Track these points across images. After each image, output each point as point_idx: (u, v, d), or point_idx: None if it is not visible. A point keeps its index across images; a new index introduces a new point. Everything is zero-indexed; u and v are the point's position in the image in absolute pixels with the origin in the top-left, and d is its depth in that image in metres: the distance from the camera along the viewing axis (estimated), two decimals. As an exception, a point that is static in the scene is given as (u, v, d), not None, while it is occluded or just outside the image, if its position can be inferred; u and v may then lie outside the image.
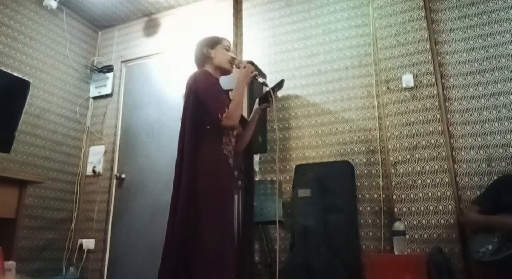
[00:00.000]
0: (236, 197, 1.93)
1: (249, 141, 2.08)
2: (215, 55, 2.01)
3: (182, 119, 1.89)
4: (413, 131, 2.69)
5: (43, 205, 3.40)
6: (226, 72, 2.04)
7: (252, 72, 1.94)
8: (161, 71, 3.79)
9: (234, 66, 2.03)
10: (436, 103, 2.69)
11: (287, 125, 3.18)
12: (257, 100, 2.08)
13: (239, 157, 2.02)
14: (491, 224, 2.14)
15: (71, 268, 3.41)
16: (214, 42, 2.04)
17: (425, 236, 2.49)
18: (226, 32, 3.49)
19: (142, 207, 3.41)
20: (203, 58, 2.04)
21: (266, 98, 2.02)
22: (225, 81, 2.06)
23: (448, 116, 2.70)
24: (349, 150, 2.92)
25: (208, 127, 1.83)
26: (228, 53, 2.03)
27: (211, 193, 1.74)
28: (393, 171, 2.68)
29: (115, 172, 3.68)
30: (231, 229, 1.78)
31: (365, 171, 2.83)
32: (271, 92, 1.93)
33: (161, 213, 3.20)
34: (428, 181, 2.58)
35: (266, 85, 1.99)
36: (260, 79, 1.99)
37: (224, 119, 1.76)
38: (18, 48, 3.36)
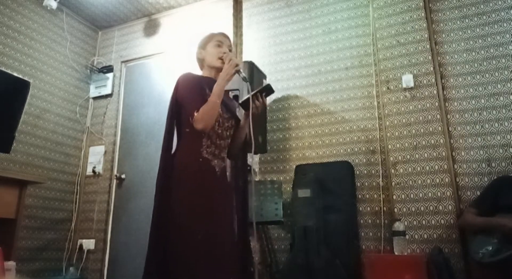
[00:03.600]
0: (232, 198, 1.88)
1: (242, 146, 1.96)
2: (205, 55, 1.92)
3: (167, 120, 1.85)
4: (413, 131, 2.70)
5: (43, 205, 3.40)
6: (218, 69, 1.89)
7: (235, 66, 1.78)
8: (161, 72, 3.79)
9: (223, 62, 1.84)
10: (436, 104, 2.69)
11: (287, 125, 3.18)
12: (239, 105, 1.92)
13: (238, 157, 1.99)
14: (489, 226, 2.14)
15: (71, 268, 3.41)
16: (205, 42, 1.95)
17: (425, 236, 2.49)
18: (226, 32, 3.49)
19: (142, 207, 3.41)
20: (199, 61, 1.97)
21: (247, 104, 1.80)
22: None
23: (448, 116, 2.71)
24: (349, 150, 2.93)
25: (188, 130, 1.76)
26: (218, 49, 1.90)
27: (183, 197, 1.69)
28: (393, 171, 2.68)
29: (115, 172, 3.68)
30: (216, 231, 1.70)
31: (365, 171, 2.83)
32: (258, 95, 1.79)
33: (161, 213, 3.21)
34: (428, 181, 2.58)
35: (246, 81, 1.82)
36: (242, 74, 1.82)
37: (194, 122, 1.68)
38: (18, 48, 3.36)
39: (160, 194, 1.72)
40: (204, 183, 1.73)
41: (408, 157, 2.67)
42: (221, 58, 1.88)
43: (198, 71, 2.00)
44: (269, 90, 1.84)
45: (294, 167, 2.98)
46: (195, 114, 1.69)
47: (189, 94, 1.78)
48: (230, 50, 1.95)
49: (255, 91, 1.81)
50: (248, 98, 1.79)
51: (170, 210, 1.69)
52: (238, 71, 1.80)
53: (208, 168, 1.75)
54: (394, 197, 2.63)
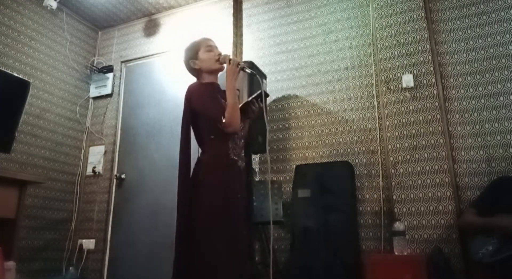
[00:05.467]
0: (242, 197, 1.94)
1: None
2: (201, 64, 1.98)
3: (182, 130, 1.90)
4: (413, 131, 2.69)
5: (43, 205, 3.40)
6: (219, 71, 2.01)
7: (238, 65, 1.89)
8: (161, 72, 3.79)
9: (221, 63, 1.97)
10: (436, 104, 2.69)
11: (287, 125, 3.18)
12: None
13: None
14: (489, 226, 2.14)
15: (71, 268, 3.41)
16: (195, 52, 2.00)
17: (425, 236, 2.49)
18: (226, 32, 3.50)
19: (142, 207, 3.41)
20: (194, 72, 2.02)
21: (246, 110, 1.93)
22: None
23: (448, 116, 2.70)
24: (349, 150, 2.92)
25: (212, 137, 1.85)
26: (211, 53, 1.98)
27: (216, 199, 1.77)
28: (393, 171, 2.68)
29: (115, 172, 3.68)
30: (236, 231, 1.79)
31: (365, 171, 2.83)
32: (254, 101, 1.91)
33: (161, 213, 3.20)
34: (428, 181, 2.58)
35: (254, 75, 1.95)
36: (248, 70, 1.94)
37: (225, 128, 1.79)
38: (18, 48, 3.36)
39: (183, 199, 1.77)
40: (232, 184, 1.84)
41: (408, 157, 2.66)
42: (218, 60, 1.97)
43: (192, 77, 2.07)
44: (263, 95, 1.93)
45: (294, 167, 2.98)
46: (223, 119, 1.78)
47: (209, 104, 1.86)
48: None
49: (251, 97, 1.93)
50: (246, 103, 1.91)
51: (196, 215, 1.74)
52: (243, 68, 1.91)
53: (235, 168, 1.88)
54: (394, 197, 2.63)
